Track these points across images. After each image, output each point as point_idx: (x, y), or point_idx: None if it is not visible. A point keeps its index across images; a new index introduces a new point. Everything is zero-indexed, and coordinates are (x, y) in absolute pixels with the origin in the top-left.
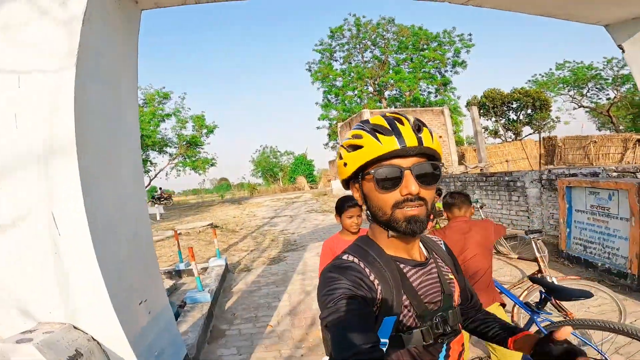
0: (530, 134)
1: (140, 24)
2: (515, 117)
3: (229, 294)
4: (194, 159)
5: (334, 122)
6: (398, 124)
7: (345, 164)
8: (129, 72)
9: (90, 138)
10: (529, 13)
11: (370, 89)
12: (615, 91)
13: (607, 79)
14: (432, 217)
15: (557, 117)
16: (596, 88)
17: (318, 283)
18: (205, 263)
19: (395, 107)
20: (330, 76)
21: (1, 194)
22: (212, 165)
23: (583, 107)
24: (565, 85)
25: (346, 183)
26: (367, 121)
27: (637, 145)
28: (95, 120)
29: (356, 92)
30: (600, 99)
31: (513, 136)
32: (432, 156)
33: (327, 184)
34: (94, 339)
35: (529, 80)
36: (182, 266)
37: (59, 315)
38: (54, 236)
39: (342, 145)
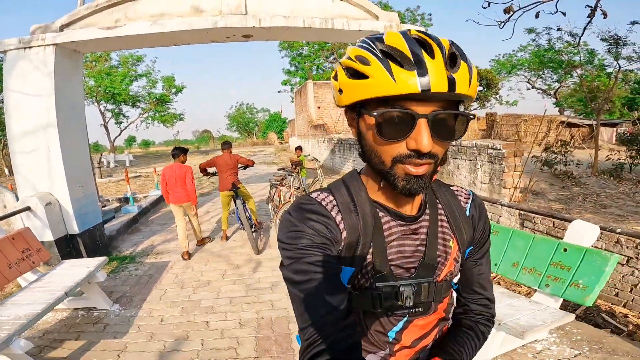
0: (475, 108)
1: (82, 59)
2: None
3: (157, 211)
4: (162, 114)
5: (296, 87)
6: (425, 55)
7: (340, 90)
8: (79, 88)
9: (61, 120)
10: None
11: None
12: (569, 75)
13: (567, 64)
14: (295, 168)
15: (500, 97)
16: (551, 71)
17: (279, 223)
18: (148, 193)
19: None
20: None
21: (30, 138)
22: (180, 119)
23: (535, 88)
24: (522, 67)
25: (339, 106)
26: (379, 38)
27: (560, 126)
28: (64, 113)
29: (315, 62)
30: (554, 81)
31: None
32: (458, 101)
33: (287, 140)
34: (57, 199)
35: (492, 60)
36: (128, 194)
37: (46, 188)
38: (48, 155)
39: (340, 63)
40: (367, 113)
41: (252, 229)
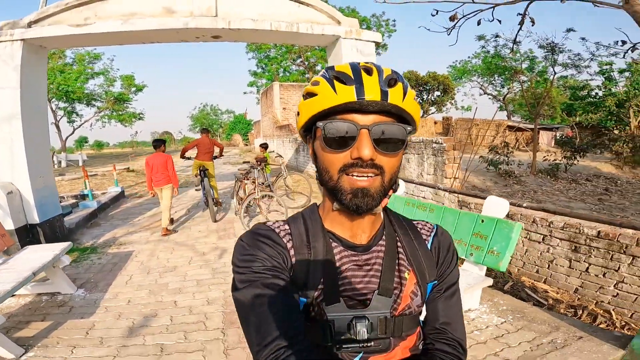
0: (432, 112)
1: (47, 55)
2: (426, 98)
3: (117, 207)
4: (121, 113)
5: (262, 88)
6: (364, 74)
7: (298, 113)
8: (43, 82)
9: (26, 113)
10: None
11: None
12: (511, 80)
13: (521, 71)
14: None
15: (455, 102)
16: (501, 78)
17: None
18: (107, 190)
19: None
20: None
21: None
22: (139, 119)
23: (487, 94)
24: (476, 73)
25: (304, 137)
26: (332, 67)
27: (506, 130)
28: (29, 106)
29: (282, 64)
30: (503, 87)
31: (423, 114)
32: (401, 118)
33: (252, 142)
34: (18, 189)
35: (450, 66)
36: (85, 191)
37: (8, 178)
38: (11, 146)
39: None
40: (317, 129)
41: (213, 202)
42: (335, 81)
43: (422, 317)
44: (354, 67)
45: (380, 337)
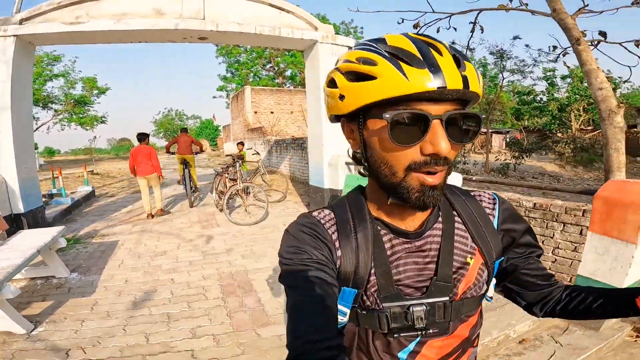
0: None
1: (34, 51)
2: None
3: (89, 205)
4: (81, 116)
5: (232, 92)
6: (434, 52)
7: (341, 97)
8: (29, 75)
9: (14, 105)
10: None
11: (269, 67)
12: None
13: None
14: (237, 161)
15: None
16: None
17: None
18: (76, 189)
19: (290, 86)
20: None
21: None
22: (102, 122)
23: None
24: None
25: (336, 117)
26: (382, 40)
27: None
28: (17, 98)
29: (253, 69)
30: None
31: None
32: (466, 102)
33: (221, 146)
34: (4, 178)
35: None
36: (54, 190)
37: None
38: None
39: (337, 69)
40: (375, 118)
41: (192, 190)
42: (400, 62)
43: (489, 294)
44: (416, 41)
45: (439, 322)
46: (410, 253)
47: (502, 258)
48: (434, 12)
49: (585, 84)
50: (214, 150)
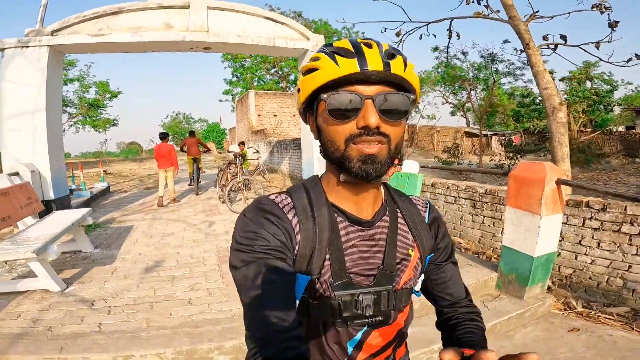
0: None
1: (63, 59)
2: None
3: (105, 199)
4: (94, 118)
5: (237, 96)
6: (364, 47)
7: (299, 90)
8: (59, 80)
9: (48, 106)
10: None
11: (273, 72)
12: (472, 91)
13: (468, 80)
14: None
15: (418, 109)
16: (461, 88)
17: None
18: (93, 185)
19: (293, 90)
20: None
21: (19, 120)
22: (113, 125)
23: (449, 102)
24: (443, 82)
25: (304, 115)
26: (330, 44)
27: (463, 136)
28: (50, 101)
29: (257, 73)
30: (462, 96)
31: None
32: (402, 88)
33: (227, 148)
34: (38, 169)
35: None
36: (73, 186)
37: (29, 160)
38: (34, 133)
39: (299, 71)
40: (320, 102)
41: (198, 182)
42: (336, 55)
43: (417, 288)
44: (353, 41)
45: (384, 310)
46: (362, 241)
47: (432, 254)
48: (411, 21)
49: (586, 86)
50: (220, 152)
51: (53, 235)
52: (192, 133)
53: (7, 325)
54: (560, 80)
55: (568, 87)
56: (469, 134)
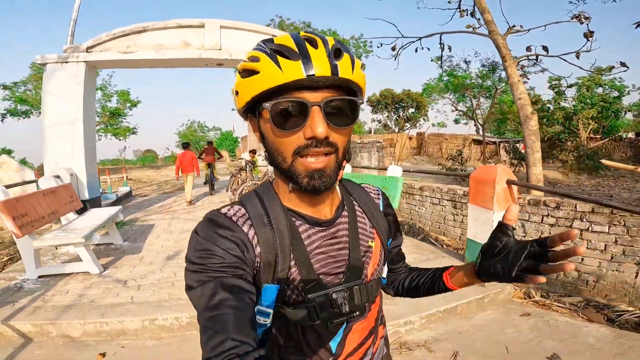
0: (407, 128)
1: (97, 74)
2: (401, 114)
3: (128, 202)
4: (116, 127)
5: None
6: (309, 46)
7: (236, 92)
8: (93, 93)
9: (85, 117)
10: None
11: None
12: (480, 99)
13: (477, 88)
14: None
15: (426, 117)
16: (471, 95)
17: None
18: (117, 189)
19: None
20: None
21: (59, 129)
22: (133, 133)
23: (458, 110)
24: (447, 90)
25: (244, 115)
26: (270, 40)
27: (472, 143)
28: (86, 112)
29: None
30: (468, 104)
31: (397, 129)
32: (350, 90)
33: (240, 156)
34: (75, 173)
35: (424, 83)
36: (100, 190)
37: (69, 164)
38: (72, 141)
39: (236, 69)
40: (263, 109)
41: (213, 185)
42: (278, 56)
43: (383, 275)
44: (296, 38)
45: (359, 305)
46: (325, 242)
47: (390, 240)
48: (404, 37)
49: (596, 91)
50: (233, 160)
51: (95, 226)
52: (210, 143)
53: (57, 299)
54: (568, 87)
55: (577, 94)
56: (478, 142)
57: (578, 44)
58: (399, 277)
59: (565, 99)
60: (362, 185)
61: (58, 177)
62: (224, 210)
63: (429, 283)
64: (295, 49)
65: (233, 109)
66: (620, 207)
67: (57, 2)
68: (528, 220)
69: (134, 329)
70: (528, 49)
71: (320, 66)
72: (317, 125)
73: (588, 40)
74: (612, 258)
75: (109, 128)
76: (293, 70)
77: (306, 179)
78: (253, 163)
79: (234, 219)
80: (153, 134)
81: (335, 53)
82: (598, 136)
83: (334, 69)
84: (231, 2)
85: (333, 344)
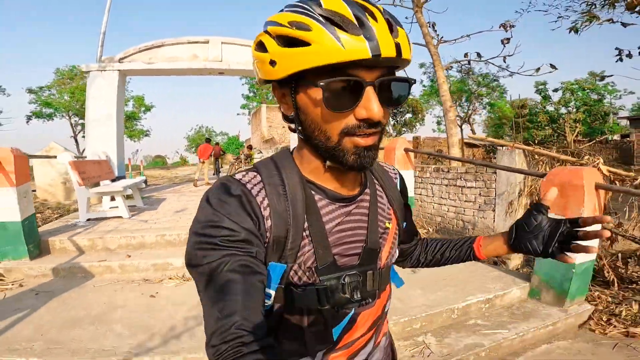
0: (404, 132)
1: (126, 80)
2: (398, 120)
3: (145, 188)
4: (131, 129)
5: (253, 110)
6: (369, 18)
7: (272, 62)
8: (123, 96)
9: (116, 114)
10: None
11: None
12: (476, 104)
13: (473, 93)
14: (246, 158)
15: (422, 122)
16: (468, 100)
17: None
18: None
19: None
20: None
21: (98, 123)
22: (146, 135)
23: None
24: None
25: (265, 81)
26: (316, 2)
27: (464, 146)
28: (118, 111)
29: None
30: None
31: (395, 134)
32: (397, 67)
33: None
34: (109, 156)
35: (422, 89)
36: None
37: (105, 149)
38: (107, 133)
39: (266, 32)
40: (309, 85)
41: (219, 172)
42: (336, 29)
43: (393, 260)
44: (352, 5)
45: (370, 291)
46: (345, 219)
47: (405, 223)
48: None
49: (579, 95)
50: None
51: (127, 184)
52: (216, 144)
53: (101, 229)
54: (553, 91)
55: (560, 98)
56: (470, 145)
57: (532, 48)
58: (415, 252)
59: (550, 103)
60: (379, 162)
61: (98, 156)
62: (238, 176)
63: (455, 254)
64: (354, 19)
65: (239, 114)
66: (478, 163)
67: (82, 17)
68: (434, 184)
69: (150, 243)
70: (466, 55)
71: (386, 46)
72: (373, 106)
73: (504, 45)
74: (479, 207)
75: (125, 130)
76: (357, 48)
77: (354, 157)
78: (250, 156)
79: (249, 186)
80: (163, 138)
81: (390, 25)
82: (585, 139)
83: (398, 47)
84: (233, 19)
85: (336, 331)
